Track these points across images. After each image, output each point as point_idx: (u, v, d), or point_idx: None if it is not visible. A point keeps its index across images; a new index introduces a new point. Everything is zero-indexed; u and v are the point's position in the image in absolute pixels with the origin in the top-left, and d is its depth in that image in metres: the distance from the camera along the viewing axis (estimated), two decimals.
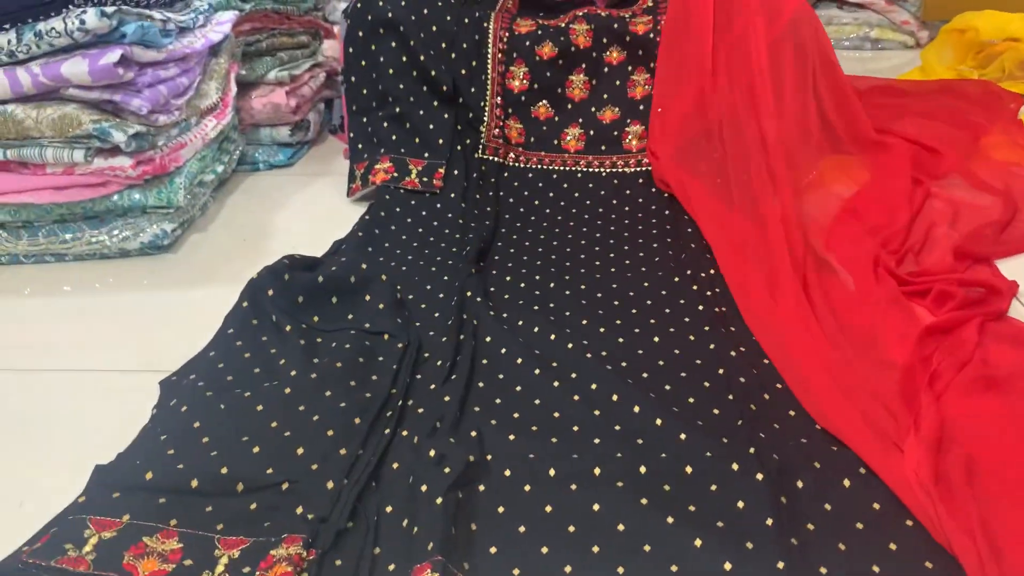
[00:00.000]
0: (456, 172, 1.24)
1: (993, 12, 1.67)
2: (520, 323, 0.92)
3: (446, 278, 1.02)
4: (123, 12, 1.07)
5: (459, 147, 1.27)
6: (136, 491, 0.68)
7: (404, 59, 1.27)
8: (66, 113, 1.07)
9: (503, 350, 0.87)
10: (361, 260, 1.02)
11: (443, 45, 1.27)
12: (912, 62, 1.83)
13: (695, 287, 0.97)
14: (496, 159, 1.27)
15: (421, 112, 1.27)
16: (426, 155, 1.26)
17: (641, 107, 1.27)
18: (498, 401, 0.81)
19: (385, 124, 1.29)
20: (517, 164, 1.28)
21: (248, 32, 1.44)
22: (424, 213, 1.18)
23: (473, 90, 1.28)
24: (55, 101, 1.08)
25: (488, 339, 0.89)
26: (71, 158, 1.09)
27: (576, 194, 1.22)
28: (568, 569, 0.63)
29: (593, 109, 1.29)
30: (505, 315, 0.94)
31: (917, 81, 1.60)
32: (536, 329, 0.91)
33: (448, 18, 1.28)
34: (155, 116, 1.12)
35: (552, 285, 1.01)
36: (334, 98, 1.64)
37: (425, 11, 1.27)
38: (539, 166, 1.28)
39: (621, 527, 0.66)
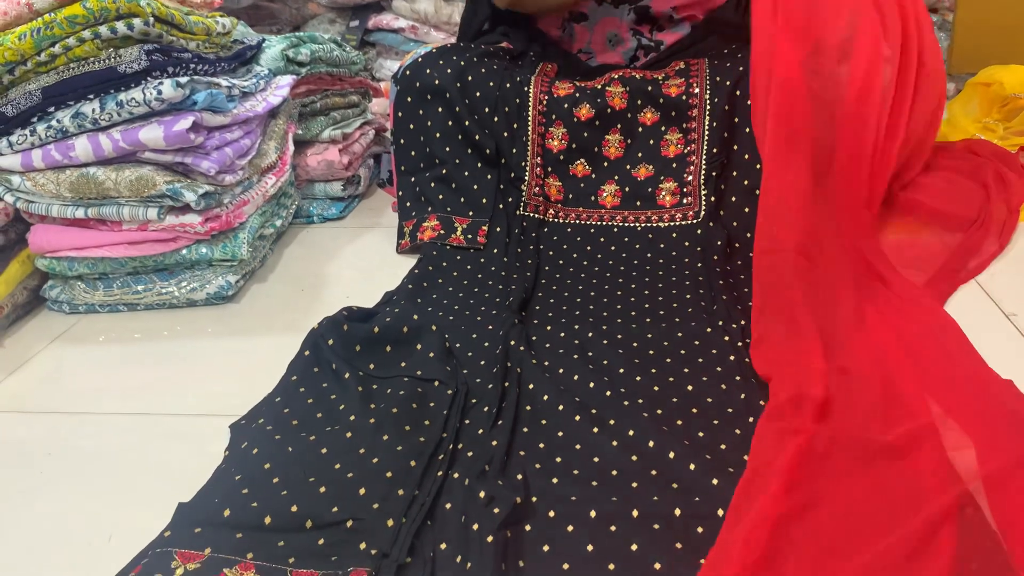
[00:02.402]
0: (499, 229, 1.31)
1: (1018, 66, 1.72)
2: (561, 371, 0.99)
3: (490, 328, 1.09)
4: (194, 82, 1.17)
5: (501, 205, 1.34)
6: (216, 527, 0.75)
7: (450, 123, 1.35)
8: (142, 175, 1.16)
9: (545, 397, 0.93)
10: (412, 311, 1.09)
11: (486, 109, 1.35)
12: None
13: (726, 338, 1.02)
14: (536, 215, 1.35)
15: (466, 173, 1.35)
16: (470, 213, 1.33)
17: (674, 164, 1.34)
18: (542, 446, 0.87)
19: (432, 184, 1.37)
20: (556, 220, 1.35)
21: (303, 94, 1.53)
22: (469, 267, 1.25)
23: (515, 151, 1.35)
24: (132, 164, 1.18)
25: (531, 386, 0.95)
26: (145, 216, 1.18)
27: (612, 248, 1.28)
28: None
29: (628, 167, 1.36)
30: (547, 363, 1.00)
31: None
32: (576, 377, 0.97)
33: (491, 84, 1.36)
34: (222, 176, 1.21)
35: (590, 335, 1.06)
36: (382, 153, 1.73)
37: (469, 77, 1.36)
38: (577, 221, 1.35)
39: (657, 566, 0.71)
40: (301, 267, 1.38)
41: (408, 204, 1.39)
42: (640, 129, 1.36)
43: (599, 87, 1.36)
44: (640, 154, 1.36)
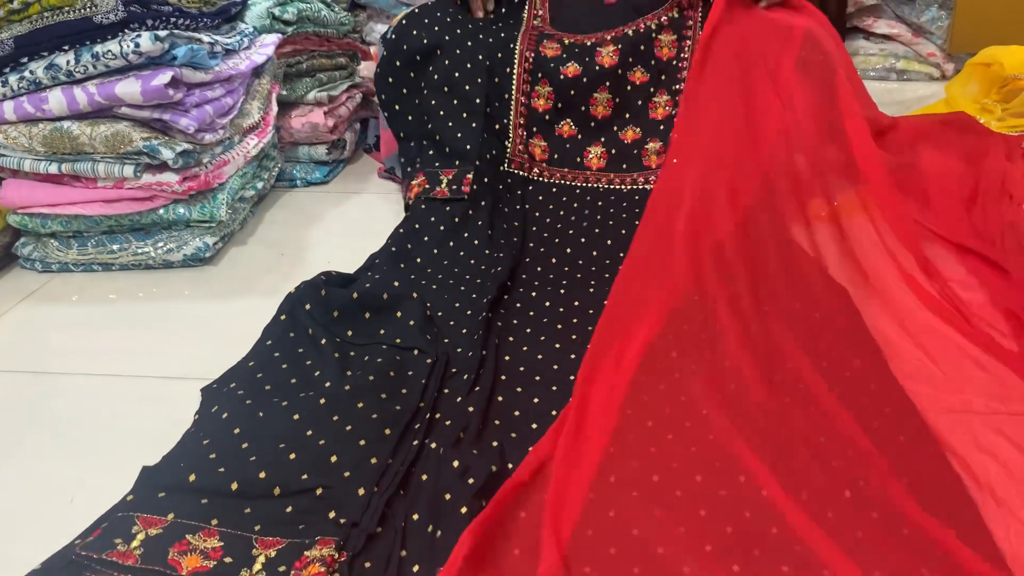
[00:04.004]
0: (486, 180, 1.26)
1: (1018, 47, 1.69)
2: (543, 338, 0.97)
3: (474, 296, 1.06)
4: (175, 36, 1.13)
5: (488, 156, 1.30)
6: (180, 492, 0.73)
7: (436, 78, 1.33)
8: (118, 131, 1.13)
9: (522, 368, 0.91)
10: (393, 277, 1.06)
11: (469, 65, 1.32)
12: (937, 94, 1.85)
13: None
14: (521, 173, 1.31)
15: (450, 124, 1.32)
16: (456, 163, 1.30)
17: (661, 127, 1.31)
18: (517, 414, 0.85)
19: (424, 142, 1.34)
20: (541, 179, 1.32)
21: (289, 54, 1.49)
22: (456, 220, 1.21)
23: (498, 105, 1.32)
24: (108, 119, 1.14)
25: (507, 358, 0.93)
26: (121, 173, 1.15)
27: (598, 210, 1.26)
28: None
29: (615, 128, 1.33)
30: (528, 331, 0.98)
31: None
32: (558, 345, 0.95)
33: (481, 36, 1.33)
34: (201, 135, 1.18)
35: (576, 304, 1.04)
36: (370, 118, 1.69)
37: (458, 31, 1.33)
38: (563, 182, 1.32)
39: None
40: (282, 231, 1.35)
41: (409, 169, 1.36)
42: (629, 88, 1.33)
43: (589, 44, 1.33)
44: (627, 115, 1.33)
